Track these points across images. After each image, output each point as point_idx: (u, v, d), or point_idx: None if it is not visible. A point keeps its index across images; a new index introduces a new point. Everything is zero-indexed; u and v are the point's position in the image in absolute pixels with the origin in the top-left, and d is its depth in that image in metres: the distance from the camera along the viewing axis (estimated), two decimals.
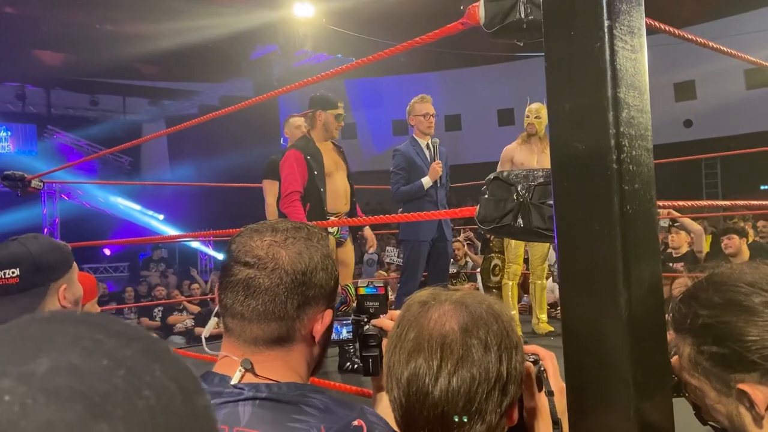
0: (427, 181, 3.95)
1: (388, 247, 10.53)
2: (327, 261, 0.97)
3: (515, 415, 0.83)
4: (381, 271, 8.76)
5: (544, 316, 4.47)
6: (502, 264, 4.60)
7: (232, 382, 0.90)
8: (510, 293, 4.41)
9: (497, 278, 4.68)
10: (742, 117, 12.08)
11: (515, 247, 4.40)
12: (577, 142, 0.83)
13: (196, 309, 7.10)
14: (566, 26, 0.83)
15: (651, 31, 1.38)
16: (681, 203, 1.77)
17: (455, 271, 6.66)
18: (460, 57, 12.42)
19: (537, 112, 4.45)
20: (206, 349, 0.96)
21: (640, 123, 0.82)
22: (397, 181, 3.99)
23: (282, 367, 0.94)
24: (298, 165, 3.51)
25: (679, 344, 0.82)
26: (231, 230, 3.66)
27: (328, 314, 0.97)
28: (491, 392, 0.78)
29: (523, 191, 1.32)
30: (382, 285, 1.29)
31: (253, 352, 0.93)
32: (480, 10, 1.33)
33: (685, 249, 5.34)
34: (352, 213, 3.70)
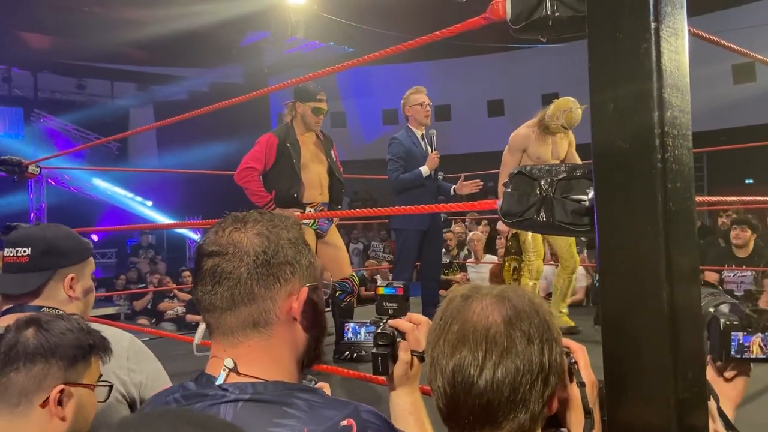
0: (425, 170, 3.98)
1: (373, 242, 10.57)
2: (296, 239, 0.95)
3: (555, 404, 0.86)
4: (372, 260, 8.79)
5: (566, 310, 4.26)
6: (520, 266, 4.36)
7: (217, 383, 0.90)
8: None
9: (516, 282, 4.36)
10: (729, 112, 12.21)
11: (534, 242, 4.19)
12: (620, 140, 0.85)
13: (186, 296, 7.08)
14: (612, 27, 0.85)
15: None
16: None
17: (448, 261, 6.71)
18: (450, 47, 12.40)
19: (572, 114, 4.02)
20: (196, 353, 0.99)
21: (682, 123, 0.84)
22: (396, 168, 4.00)
23: (266, 360, 0.92)
24: (268, 149, 3.53)
25: None
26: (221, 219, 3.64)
27: (304, 291, 0.94)
28: (534, 383, 0.81)
29: (546, 186, 1.34)
30: (401, 286, 1.30)
31: (233, 344, 0.92)
32: (507, 6, 1.34)
33: None
34: (331, 204, 3.70)
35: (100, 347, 1.13)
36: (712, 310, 1.07)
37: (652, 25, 0.81)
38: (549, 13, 1.28)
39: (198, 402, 0.89)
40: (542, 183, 1.35)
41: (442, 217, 4.77)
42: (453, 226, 7.50)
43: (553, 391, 0.84)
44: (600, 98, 0.87)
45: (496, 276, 5.99)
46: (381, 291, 1.26)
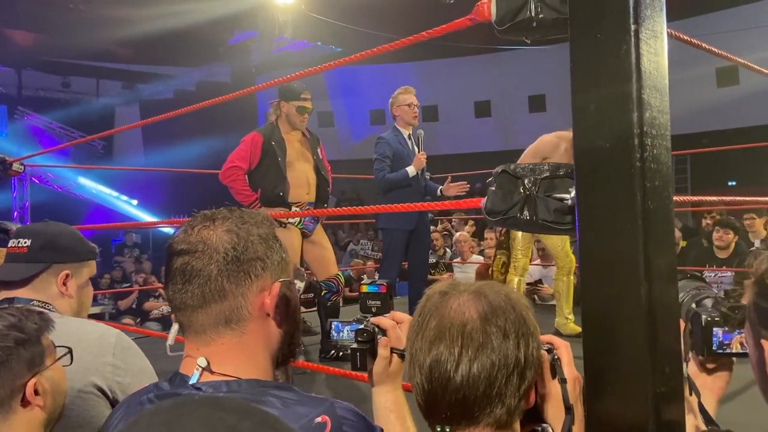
0: (412, 171, 3.99)
1: (362, 240, 10.57)
2: (266, 235, 0.95)
3: (532, 397, 0.87)
4: (357, 260, 8.80)
5: (571, 316, 4.18)
6: (509, 261, 4.36)
7: (191, 382, 0.89)
8: (515, 289, 4.23)
9: (504, 275, 4.35)
10: (713, 115, 12.37)
11: (523, 240, 4.21)
12: (601, 139, 0.87)
13: None
14: (593, 29, 0.86)
15: None
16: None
17: (434, 261, 6.73)
18: (438, 48, 12.44)
19: None
20: (170, 353, 0.99)
21: (661, 123, 0.86)
22: (383, 168, 4.01)
23: (239, 357, 0.92)
24: (253, 148, 3.53)
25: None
26: None
27: (276, 287, 0.94)
28: (510, 377, 0.82)
29: (530, 184, 1.36)
30: (384, 284, 1.30)
31: (206, 343, 0.92)
32: (492, 7, 1.36)
33: None
34: (317, 203, 3.71)
35: (41, 326, 1.13)
36: (694, 305, 1.09)
37: (632, 27, 0.83)
38: (533, 14, 1.30)
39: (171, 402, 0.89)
40: (526, 181, 1.36)
41: (429, 217, 4.78)
42: (438, 225, 7.53)
43: (529, 385, 0.85)
44: (581, 98, 0.89)
45: (482, 276, 6.02)
46: (365, 289, 1.27)
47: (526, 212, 1.36)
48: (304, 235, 3.64)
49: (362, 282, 1.14)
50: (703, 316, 1.06)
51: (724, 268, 4.97)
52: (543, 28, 1.31)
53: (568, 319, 4.18)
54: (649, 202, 0.83)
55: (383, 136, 4.15)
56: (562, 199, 1.28)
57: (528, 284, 5.56)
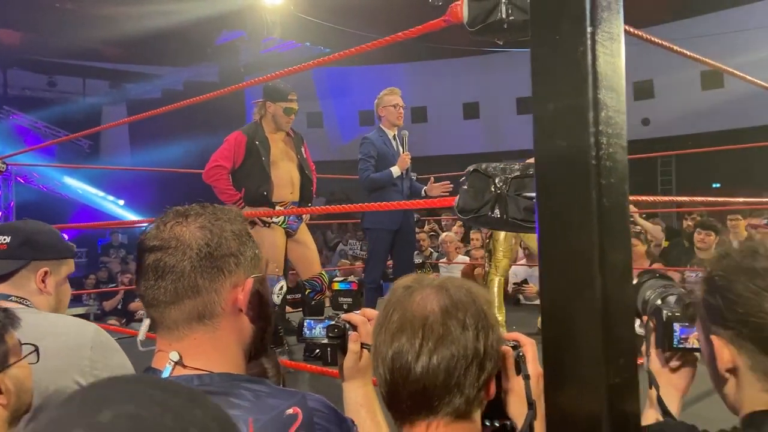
0: (396, 171, 4.01)
1: (351, 240, 10.59)
2: (239, 231, 0.97)
3: (492, 389, 0.90)
4: (344, 260, 8.81)
5: None
6: (491, 261, 4.35)
7: (163, 376, 0.90)
8: (496, 289, 4.16)
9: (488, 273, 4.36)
10: (698, 117, 12.49)
11: (505, 241, 4.23)
12: (559, 139, 0.89)
13: None
14: (552, 32, 0.89)
15: None
16: (643, 198, 1.88)
17: (420, 261, 6.76)
18: (427, 49, 12.48)
19: None
20: (141, 348, 1.01)
21: (617, 123, 0.89)
22: (367, 168, 4.04)
23: (212, 352, 0.93)
24: (236, 147, 3.55)
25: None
26: None
27: (249, 282, 0.95)
28: (469, 368, 0.85)
29: (501, 183, 1.39)
30: (355, 281, 1.33)
31: (178, 338, 0.93)
32: (464, 9, 1.38)
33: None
34: (301, 202, 3.73)
35: (5, 324, 1.13)
36: (659, 302, 1.12)
37: (588, 29, 0.85)
38: (504, 17, 1.33)
39: None
40: (497, 180, 1.39)
41: (416, 218, 4.81)
42: (426, 226, 7.56)
43: (489, 375, 0.88)
44: (541, 98, 0.91)
45: (468, 276, 6.06)
46: (336, 286, 1.29)
47: (496, 210, 1.39)
48: (288, 235, 3.65)
49: (334, 280, 1.16)
50: (665, 312, 1.10)
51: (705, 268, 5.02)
52: (514, 30, 1.34)
53: None
54: (604, 199, 0.86)
55: (368, 136, 4.18)
56: (532, 198, 1.31)
57: (514, 284, 5.62)
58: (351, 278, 1.32)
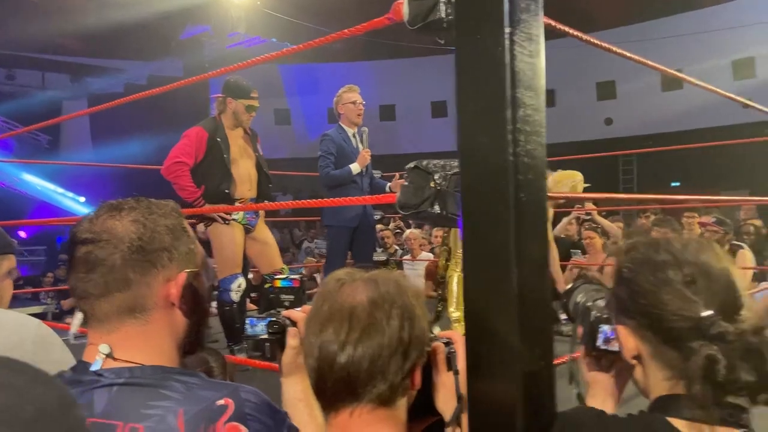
0: (356, 168, 4.03)
1: (316, 240, 10.56)
2: (173, 226, 0.98)
3: (418, 379, 0.93)
4: (310, 258, 8.79)
5: None
6: (449, 256, 4.30)
7: (93, 368, 0.91)
8: (456, 286, 4.06)
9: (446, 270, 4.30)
10: (658, 117, 12.80)
11: None
12: (480, 136, 0.92)
13: None
14: (473, 32, 0.92)
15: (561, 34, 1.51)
16: (594, 195, 1.93)
17: (385, 258, 6.78)
18: (396, 48, 12.51)
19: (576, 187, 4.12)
20: (72, 341, 1.00)
21: (536, 120, 0.92)
22: (327, 164, 4.05)
23: (143, 345, 0.93)
24: (198, 143, 3.52)
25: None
26: None
27: (182, 277, 0.96)
28: (393, 355, 0.88)
29: (441, 180, 1.42)
30: (297, 278, 1.34)
31: (109, 331, 0.93)
32: (404, 8, 1.41)
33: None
34: (259, 199, 3.72)
35: None
36: (590, 304, 1.15)
37: (506, 30, 0.88)
38: (443, 15, 1.36)
39: (72, 388, 0.90)
40: (437, 177, 1.42)
41: (380, 215, 4.82)
42: (390, 223, 7.60)
43: (413, 364, 0.91)
44: (463, 96, 0.94)
45: (432, 273, 6.10)
46: (278, 284, 1.31)
47: (436, 206, 1.42)
48: (247, 231, 3.65)
49: (275, 277, 1.17)
50: (592, 313, 1.13)
51: None
52: (453, 29, 1.37)
53: None
54: (521, 195, 0.89)
55: (328, 133, 4.19)
56: None
57: None
58: (293, 276, 1.33)
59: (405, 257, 6.95)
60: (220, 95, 3.69)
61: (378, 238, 7.46)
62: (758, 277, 4.65)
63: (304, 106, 16.20)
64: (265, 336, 1.20)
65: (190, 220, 3.93)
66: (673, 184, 13.21)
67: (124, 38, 10.65)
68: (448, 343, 1.00)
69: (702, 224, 5.11)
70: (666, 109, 12.76)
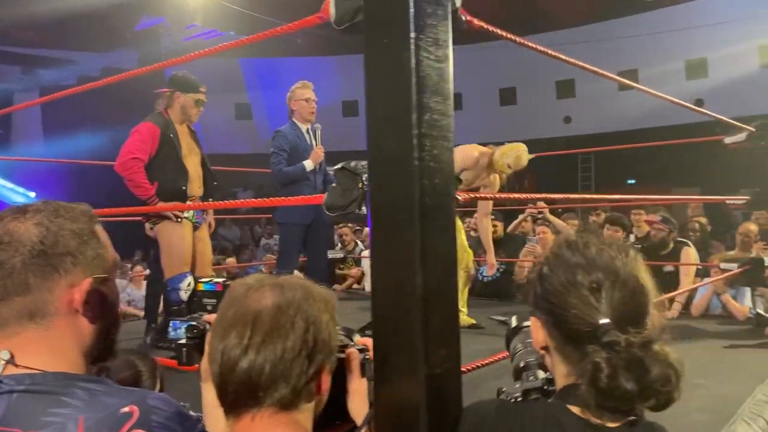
0: (309, 165, 4.01)
1: (275, 236, 10.47)
2: (81, 230, 0.96)
3: (324, 384, 0.92)
4: (269, 255, 8.73)
5: (465, 309, 4.32)
6: None
7: None
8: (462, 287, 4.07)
9: None
10: (616, 116, 13.06)
11: (460, 232, 4.18)
12: (388, 140, 0.93)
13: None
14: (381, 36, 0.92)
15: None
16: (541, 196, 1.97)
17: (342, 255, 6.78)
18: (360, 42, 12.44)
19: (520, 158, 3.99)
20: None
21: (443, 125, 0.93)
22: (280, 161, 4.01)
23: (46, 351, 0.91)
24: (152, 140, 3.46)
25: None
26: (110, 209, 3.55)
27: (86, 283, 0.94)
28: (296, 359, 0.87)
29: (368, 181, 1.42)
30: (221, 282, 1.32)
31: (9, 336, 0.91)
32: (330, 8, 1.40)
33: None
34: (204, 197, 3.68)
35: None
36: (522, 364, 1.14)
37: (412, 35, 0.89)
38: None
39: None
40: (364, 178, 1.43)
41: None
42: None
43: (319, 368, 0.90)
44: (371, 100, 0.94)
45: None
46: (201, 288, 1.29)
47: (364, 208, 1.42)
48: (195, 228, 3.60)
49: (199, 280, 1.16)
50: (524, 374, 1.11)
51: None
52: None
53: (461, 311, 4.34)
54: (426, 198, 0.90)
55: (280, 130, 4.16)
56: None
57: None
58: (216, 279, 1.31)
59: (363, 254, 6.96)
60: (166, 89, 3.62)
61: (337, 235, 7.45)
62: (702, 273, 4.79)
63: (267, 101, 16.01)
64: (184, 341, 1.18)
65: (136, 218, 3.85)
66: (629, 181, 13.53)
67: (78, 28, 10.33)
68: (363, 350, 1.01)
69: (649, 222, 5.23)
70: (623, 108, 13.03)
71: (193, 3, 9.73)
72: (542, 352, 0.98)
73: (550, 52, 1.87)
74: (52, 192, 11.23)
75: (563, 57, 2.41)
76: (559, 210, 7.69)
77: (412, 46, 0.89)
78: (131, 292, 7.02)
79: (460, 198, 1.65)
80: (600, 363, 0.84)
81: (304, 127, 4.15)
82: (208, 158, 3.80)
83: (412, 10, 0.89)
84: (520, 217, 6.26)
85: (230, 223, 13.22)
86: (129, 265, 8.16)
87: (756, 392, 2.60)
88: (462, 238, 4.40)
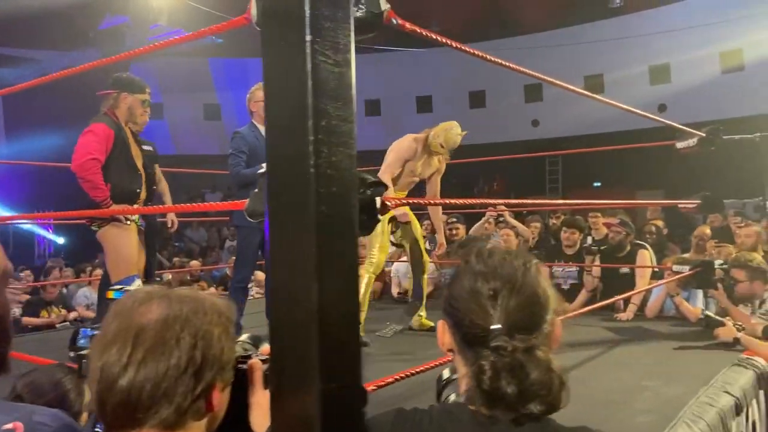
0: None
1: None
2: None
3: (216, 400, 0.88)
4: (234, 257, 8.60)
5: (423, 312, 4.30)
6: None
7: None
8: (365, 288, 3.95)
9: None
10: (582, 119, 13.22)
11: (383, 236, 4.05)
12: (286, 147, 0.90)
13: (24, 297, 6.56)
14: (278, 39, 0.89)
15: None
16: (498, 201, 1.96)
17: None
18: None
19: (450, 133, 4.16)
20: None
21: (343, 131, 0.90)
22: (238, 163, 3.96)
23: None
24: (107, 140, 3.40)
25: None
26: (72, 212, 3.41)
27: None
28: (182, 377, 0.84)
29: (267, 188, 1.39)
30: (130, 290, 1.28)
31: None
32: (252, 9, 1.37)
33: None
34: (147, 201, 3.63)
35: None
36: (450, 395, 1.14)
37: (308, 38, 0.86)
38: None
39: None
40: None
41: None
42: None
43: (209, 385, 0.87)
44: (270, 105, 0.92)
45: None
46: (110, 295, 1.25)
47: None
48: (139, 232, 3.55)
49: (110, 287, 1.12)
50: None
51: (571, 263, 5.35)
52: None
53: (420, 316, 4.33)
54: (323, 207, 0.87)
55: (239, 131, 4.11)
56: None
57: (399, 293, 5.77)
58: (128, 288, 1.27)
59: None
60: (111, 91, 3.55)
61: None
62: (657, 276, 4.86)
63: (236, 102, 15.83)
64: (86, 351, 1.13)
65: (81, 221, 3.76)
66: (595, 184, 13.71)
67: (40, 27, 10.09)
68: (266, 361, 0.97)
69: (607, 225, 5.30)
70: (589, 111, 13.19)
71: (158, 2, 9.58)
72: (448, 354, 1.02)
73: (489, 57, 1.86)
74: (14, 193, 10.94)
75: (513, 66, 2.43)
76: (524, 212, 7.75)
77: (308, 50, 0.86)
78: (89, 295, 6.88)
79: (389, 203, 1.63)
80: (484, 365, 0.88)
81: (263, 129, 4.09)
82: (153, 159, 3.74)
83: (307, 13, 0.86)
84: (483, 219, 6.30)
85: (197, 225, 13.05)
86: (89, 268, 8.00)
87: (700, 394, 2.63)
88: (421, 243, 4.40)
